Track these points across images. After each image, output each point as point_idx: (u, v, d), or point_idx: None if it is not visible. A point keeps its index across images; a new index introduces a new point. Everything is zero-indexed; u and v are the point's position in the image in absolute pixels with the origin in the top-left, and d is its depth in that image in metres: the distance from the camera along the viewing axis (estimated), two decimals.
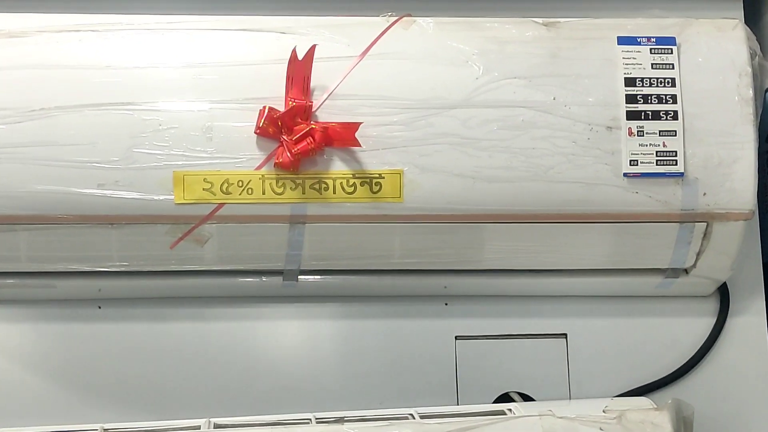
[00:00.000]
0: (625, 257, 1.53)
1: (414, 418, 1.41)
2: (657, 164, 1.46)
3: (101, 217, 1.43)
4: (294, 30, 1.47)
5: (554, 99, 1.46)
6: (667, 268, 1.55)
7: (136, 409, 1.55)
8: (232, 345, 1.57)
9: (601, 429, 1.39)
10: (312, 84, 1.44)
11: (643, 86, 1.47)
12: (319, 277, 1.56)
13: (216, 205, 1.44)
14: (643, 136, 1.47)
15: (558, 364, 1.60)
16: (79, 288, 1.55)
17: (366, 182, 1.44)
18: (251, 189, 1.43)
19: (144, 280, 1.54)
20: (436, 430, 1.38)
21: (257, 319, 1.59)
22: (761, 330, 1.62)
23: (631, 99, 1.47)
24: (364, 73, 1.45)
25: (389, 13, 1.49)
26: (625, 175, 1.46)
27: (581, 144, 1.46)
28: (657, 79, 1.48)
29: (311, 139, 1.42)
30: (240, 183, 1.43)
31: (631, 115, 1.47)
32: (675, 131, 1.47)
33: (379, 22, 1.49)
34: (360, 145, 1.43)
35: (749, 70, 1.48)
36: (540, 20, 1.50)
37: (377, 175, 1.44)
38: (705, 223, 1.49)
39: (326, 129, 1.43)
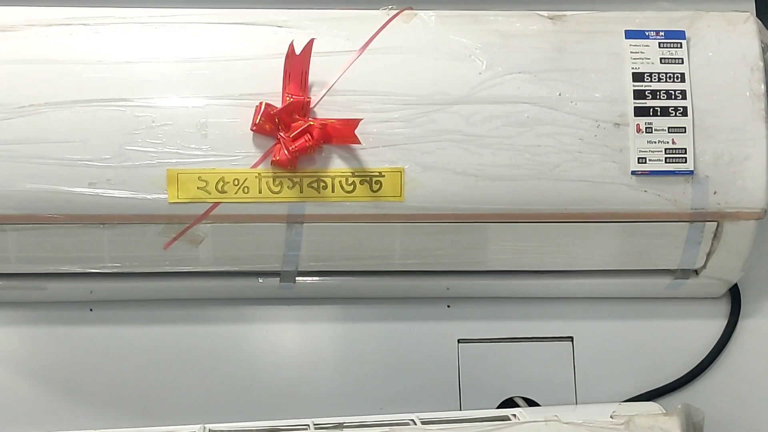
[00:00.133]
0: (633, 258, 1.53)
1: (415, 424, 1.40)
2: (666, 162, 1.46)
3: (92, 217, 1.43)
4: (291, 23, 1.47)
5: (560, 95, 1.46)
6: (677, 269, 1.55)
7: (129, 414, 1.54)
8: (228, 348, 1.57)
9: None
10: (310, 79, 1.43)
11: (651, 81, 1.47)
12: (317, 278, 1.55)
13: (211, 204, 1.43)
14: (651, 132, 1.46)
15: (564, 367, 1.59)
16: (69, 290, 1.54)
17: (366, 181, 1.43)
18: (247, 188, 1.42)
19: (137, 281, 1.53)
20: None
21: (254, 322, 1.58)
22: None
23: (639, 95, 1.46)
24: (364, 68, 1.45)
25: (389, 6, 1.49)
26: (633, 173, 1.45)
27: (588, 141, 1.45)
28: (666, 74, 1.47)
29: (309, 136, 1.41)
30: (236, 181, 1.42)
31: (640, 112, 1.46)
32: (684, 128, 1.46)
33: (379, 15, 1.48)
34: (359, 143, 1.42)
35: (761, 64, 1.47)
36: (545, 13, 1.49)
37: (377, 174, 1.43)
38: (715, 223, 1.48)
39: (324, 126, 1.42)
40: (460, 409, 1.56)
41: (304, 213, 1.44)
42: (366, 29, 1.46)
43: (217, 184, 1.42)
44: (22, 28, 1.44)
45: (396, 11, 1.48)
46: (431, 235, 1.48)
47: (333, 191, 1.43)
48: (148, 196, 1.42)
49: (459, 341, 1.58)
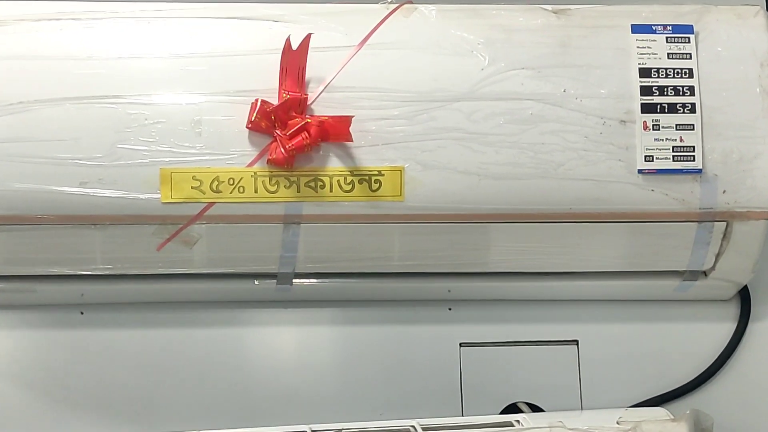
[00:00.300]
0: (639, 259, 1.52)
1: (416, 430, 1.39)
2: (674, 160, 1.45)
3: (84, 218, 1.42)
4: (288, 18, 1.47)
5: (564, 91, 1.46)
6: (685, 271, 1.54)
7: (121, 420, 1.54)
8: (223, 352, 1.56)
9: None
10: (307, 75, 1.43)
11: (658, 77, 1.47)
12: (315, 280, 1.55)
13: (205, 204, 1.42)
14: (658, 130, 1.46)
15: (569, 372, 1.59)
16: (60, 292, 1.53)
17: (365, 180, 1.43)
18: (243, 187, 1.42)
19: (129, 284, 1.53)
20: None
21: (249, 325, 1.58)
22: None
23: (646, 91, 1.46)
24: (363, 63, 1.45)
25: (389, 0, 1.48)
26: (639, 171, 1.45)
27: (593, 139, 1.45)
28: (673, 69, 1.47)
29: (306, 134, 1.41)
30: (231, 181, 1.42)
31: (646, 108, 1.46)
32: (693, 125, 1.46)
33: (379, 9, 1.48)
34: (352, 140, 1.42)
35: None
36: (549, 7, 1.49)
37: (376, 173, 1.43)
38: (725, 223, 1.48)
39: (322, 123, 1.42)
40: (462, 415, 1.56)
41: (301, 213, 1.44)
42: (365, 24, 1.46)
43: (211, 183, 1.41)
44: (11, 23, 1.44)
45: (395, 5, 1.48)
46: (432, 236, 1.48)
47: (331, 191, 1.43)
48: (141, 196, 1.41)
49: (461, 345, 1.58)
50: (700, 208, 1.45)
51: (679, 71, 1.46)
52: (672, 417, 1.42)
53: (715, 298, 1.60)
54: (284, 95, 1.41)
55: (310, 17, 1.46)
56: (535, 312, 1.59)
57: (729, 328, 1.60)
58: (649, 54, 1.46)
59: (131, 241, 1.45)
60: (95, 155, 1.40)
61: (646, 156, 1.44)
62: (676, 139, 1.45)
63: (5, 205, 1.40)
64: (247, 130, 1.41)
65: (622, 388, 1.58)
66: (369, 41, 1.45)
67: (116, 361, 1.54)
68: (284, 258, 1.49)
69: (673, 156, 1.45)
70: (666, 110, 1.45)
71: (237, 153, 1.41)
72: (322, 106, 1.42)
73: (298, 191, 1.42)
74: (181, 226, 1.43)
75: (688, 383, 1.58)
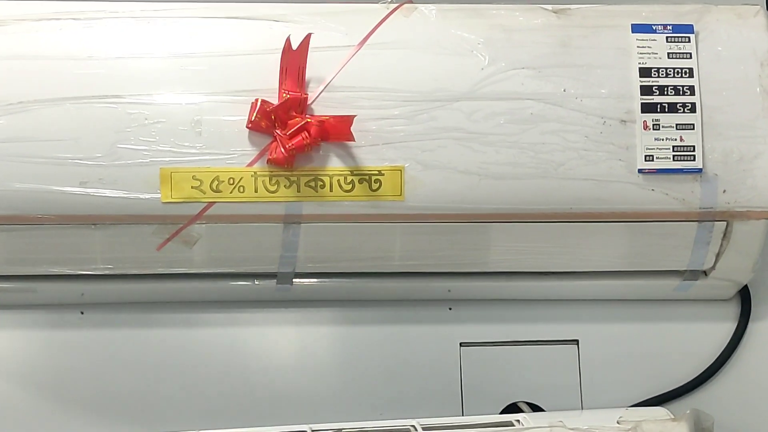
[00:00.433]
0: (640, 258, 1.52)
1: (416, 429, 1.39)
2: (674, 160, 1.45)
3: (84, 217, 1.42)
4: (288, 18, 1.46)
5: (565, 91, 1.45)
6: (685, 270, 1.54)
7: (121, 420, 1.53)
8: (223, 352, 1.56)
9: None
10: (307, 75, 1.43)
11: (659, 77, 1.46)
12: (315, 280, 1.55)
13: (205, 204, 1.42)
14: (659, 129, 1.46)
15: (569, 372, 1.58)
16: (60, 292, 1.53)
17: (365, 179, 1.43)
18: (243, 187, 1.42)
19: (129, 283, 1.52)
20: None
21: (249, 325, 1.57)
22: None
23: (646, 90, 1.46)
24: (363, 63, 1.44)
25: (389, 0, 1.48)
26: (640, 171, 1.45)
27: (593, 138, 1.45)
28: (674, 69, 1.47)
29: (306, 134, 1.41)
30: (231, 180, 1.42)
31: (647, 108, 1.46)
32: (693, 125, 1.46)
33: (379, 9, 1.48)
34: (354, 140, 1.41)
35: None
36: (549, 7, 1.49)
37: (377, 172, 1.43)
38: (725, 222, 1.48)
39: (322, 123, 1.41)
40: (462, 415, 1.55)
41: (301, 213, 1.44)
42: (365, 23, 1.46)
43: (211, 183, 1.41)
44: (11, 23, 1.44)
45: (396, 5, 1.48)
46: (432, 236, 1.47)
47: (331, 190, 1.42)
48: (141, 196, 1.41)
49: (461, 345, 1.58)
50: (700, 208, 1.45)
51: (680, 71, 1.46)
52: (672, 417, 1.41)
53: (716, 298, 1.60)
54: (284, 95, 1.41)
55: (310, 17, 1.46)
56: (536, 312, 1.59)
57: (729, 328, 1.60)
58: (650, 54, 1.46)
59: (131, 241, 1.44)
60: (95, 155, 1.40)
61: (646, 156, 1.44)
62: (676, 139, 1.45)
63: (5, 204, 1.40)
64: (247, 129, 1.41)
65: (623, 388, 1.57)
66: (369, 41, 1.45)
67: (116, 361, 1.54)
68: (284, 258, 1.48)
69: (674, 156, 1.44)
70: (666, 110, 1.45)
71: (237, 153, 1.41)
72: (322, 105, 1.42)
73: (299, 191, 1.42)
74: (181, 225, 1.43)
75: (688, 383, 1.58)
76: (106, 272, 1.49)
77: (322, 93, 1.42)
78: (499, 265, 1.52)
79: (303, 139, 1.40)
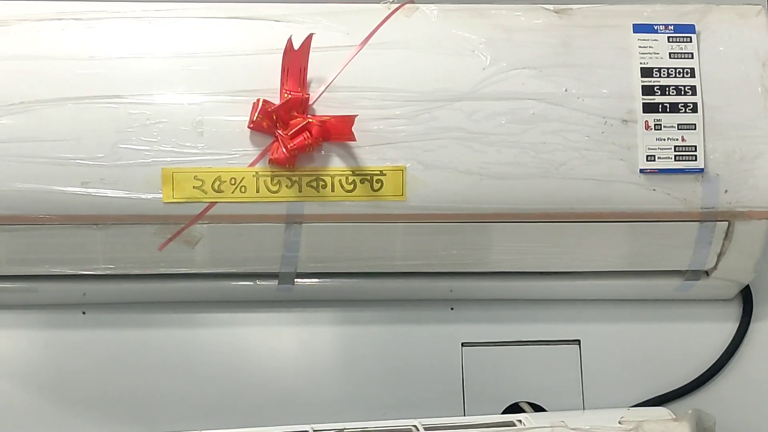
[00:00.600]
0: (641, 258, 1.52)
1: (418, 429, 1.39)
2: (675, 160, 1.45)
3: (85, 217, 1.42)
4: (289, 18, 1.46)
5: (566, 90, 1.45)
6: (687, 270, 1.54)
7: (123, 421, 1.53)
8: (225, 353, 1.56)
9: None
10: (309, 75, 1.43)
11: (660, 77, 1.46)
12: (316, 280, 1.55)
13: (207, 204, 1.42)
14: (660, 129, 1.45)
15: (571, 372, 1.58)
16: (62, 292, 1.53)
17: (366, 179, 1.43)
18: (244, 187, 1.42)
19: (131, 283, 1.52)
20: None
21: (251, 325, 1.57)
22: None
23: (647, 90, 1.46)
24: (364, 63, 1.44)
25: (390, 0, 1.48)
26: (641, 171, 1.45)
27: (595, 138, 1.45)
28: (675, 69, 1.47)
29: (308, 134, 1.41)
30: (232, 180, 1.42)
31: (648, 108, 1.46)
32: (694, 124, 1.46)
33: (380, 9, 1.48)
34: (355, 140, 1.41)
35: None
36: (551, 7, 1.49)
37: (378, 172, 1.43)
38: (726, 222, 1.48)
39: (324, 123, 1.41)
40: (464, 415, 1.55)
41: (303, 213, 1.44)
42: (366, 24, 1.46)
43: (213, 183, 1.41)
44: (13, 23, 1.44)
45: (397, 5, 1.48)
46: (434, 236, 1.47)
47: (333, 190, 1.42)
48: (143, 196, 1.41)
49: (463, 345, 1.58)
50: (701, 208, 1.45)
51: (681, 71, 1.46)
52: (674, 417, 1.41)
53: (717, 298, 1.60)
54: (286, 95, 1.41)
55: (312, 17, 1.46)
56: (537, 312, 1.59)
57: (731, 328, 1.60)
58: (651, 53, 1.46)
59: (133, 241, 1.44)
60: (97, 155, 1.40)
61: (647, 155, 1.44)
62: (677, 139, 1.45)
63: (7, 205, 1.40)
64: (249, 130, 1.41)
65: (624, 388, 1.57)
66: (370, 41, 1.45)
67: (118, 361, 1.54)
68: (286, 258, 1.48)
69: (675, 156, 1.44)
70: (668, 110, 1.45)
71: (239, 153, 1.41)
72: (324, 105, 1.42)
73: (300, 191, 1.42)
74: (182, 225, 1.43)
75: (690, 383, 1.58)
76: (108, 272, 1.49)
77: (324, 93, 1.42)
78: (500, 265, 1.52)
79: (304, 139, 1.40)
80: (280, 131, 1.40)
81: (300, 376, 1.56)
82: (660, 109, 1.45)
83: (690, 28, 1.47)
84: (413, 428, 1.39)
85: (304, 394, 1.55)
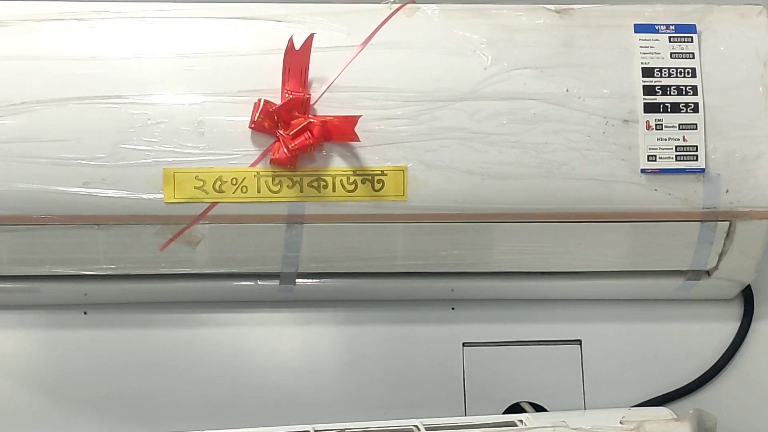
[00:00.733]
0: (642, 258, 1.52)
1: (419, 429, 1.39)
2: (676, 160, 1.45)
3: (87, 218, 1.42)
4: (290, 18, 1.47)
5: (567, 91, 1.45)
6: (688, 270, 1.54)
7: (124, 420, 1.53)
8: (226, 353, 1.56)
9: None
10: (310, 75, 1.43)
11: (661, 77, 1.46)
12: (317, 280, 1.55)
13: (208, 204, 1.42)
14: (661, 129, 1.45)
15: (572, 371, 1.58)
16: (63, 292, 1.53)
17: (367, 179, 1.43)
18: (246, 187, 1.42)
19: (132, 283, 1.52)
20: None
21: (252, 325, 1.57)
22: None
23: (648, 90, 1.46)
24: (366, 63, 1.44)
25: (392, 0, 1.48)
26: (642, 171, 1.45)
27: (596, 138, 1.45)
28: (676, 69, 1.47)
29: (309, 134, 1.41)
30: (234, 181, 1.41)
31: (649, 108, 1.46)
32: (695, 124, 1.46)
33: (381, 9, 1.48)
34: (359, 140, 1.42)
35: None
36: (552, 7, 1.49)
37: (379, 172, 1.43)
38: (728, 222, 1.48)
39: (325, 123, 1.41)
40: (465, 415, 1.55)
41: (304, 213, 1.43)
42: (368, 24, 1.46)
43: (214, 183, 1.41)
44: (14, 24, 1.44)
45: (398, 5, 1.48)
46: (435, 236, 1.47)
47: (334, 190, 1.42)
48: (144, 196, 1.41)
49: (464, 345, 1.58)
50: (703, 208, 1.45)
51: (682, 71, 1.46)
52: (675, 416, 1.41)
53: (718, 298, 1.60)
54: (287, 95, 1.41)
55: (313, 17, 1.46)
56: (538, 312, 1.59)
57: (732, 328, 1.60)
58: (652, 53, 1.46)
59: (134, 241, 1.44)
60: (98, 155, 1.40)
61: (649, 155, 1.44)
62: (679, 139, 1.45)
63: (9, 205, 1.40)
64: (250, 130, 1.41)
65: (626, 388, 1.57)
66: (372, 41, 1.45)
67: (119, 361, 1.54)
68: (287, 258, 1.48)
69: (676, 155, 1.44)
70: (669, 110, 1.45)
71: (240, 153, 1.41)
72: (325, 106, 1.42)
73: (301, 191, 1.41)
74: (184, 226, 1.43)
75: (691, 383, 1.58)
76: (110, 272, 1.49)
77: (325, 93, 1.42)
78: (501, 264, 1.52)
79: (306, 139, 1.40)
80: (281, 131, 1.40)
81: (301, 376, 1.56)
82: (661, 109, 1.45)
83: (691, 28, 1.47)
84: (414, 428, 1.39)
85: (306, 394, 1.55)
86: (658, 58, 1.46)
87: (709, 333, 1.59)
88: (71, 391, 1.53)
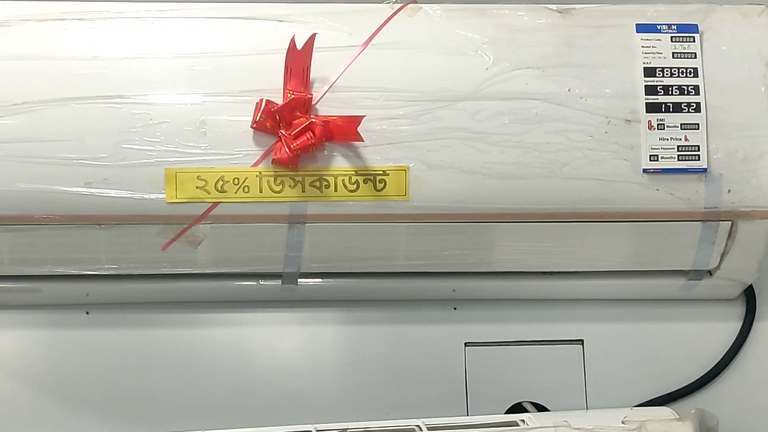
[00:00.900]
0: (644, 258, 1.52)
1: (421, 429, 1.39)
2: (678, 159, 1.45)
3: (89, 218, 1.42)
4: (292, 18, 1.46)
5: (569, 90, 1.45)
6: (690, 270, 1.54)
7: (126, 421, 1.53)
8: (228, 353, 1.56)
9: None
10: (312, 75, 1.43)
11: (663, 77, 1.46)
12: (319, 280, 1.55)
13: (210, 204, 1.42)
14: (663, 129, 1.45)
15: (574, 371, 1.58)
16: (65, 292, 1.53)
17: (369, 179, 1.43)
18: (247, 187, 1.42)
19: (134, 283, 1.52)
20: None
21: (254, 325, 1.57)
22: None
23: (650, 90, 1.46)
24: (367, 63, 1.44)
25: (393, 0, 1.48)
26: (644, 171, 1.45)
27: (598, 138, 1.45)
28: (678, 69, 1.46)
29: (311, 134, 1.41)
30: (236, 180, 1.42)
31: (651, 108, 1.45)
32: (697, 124, 1.46)
33: (383, 9, 1.48)
34: (362, 140, 1.41)
35: None
36: (554, 7, 1.49)
37: (381, 172, 1.43)
38: (729, 222, 1.47)
39: (327, 123, 1.41)
40: (467, 415, 1.55)
41: (306, 213, 1.43)
42: (369, 24, 1.46)
43: (216, 183, 1.41)
44: (16, 24, 1.44)
45: (400, 5, 1.48)
46: (437, 236, 1.47)
47: (336, 190, 1.42)
48: (146, 196, 1.41)
49: (466, 344, 1.58)
50: (705, 208, 1.45)
51: (684, 70, 1.46)
52: (677, 416, 1.41)
53: (720, 298, 1.59)
54: (289, 95, 1.41)
55: (315, 17, 1.45)
56: (540, 311, 1.59)
57: (734, 328, 1.59)
58: (654, 53, 1.46)
59: (136, 241, 1.44)
60: (100, 155, 1.40)
61: (651, 155, 1.44)
62: (681, 139, 1.44)
63: (10, 205, 1.40)
64: (252, 130, 1.41)
65: (627, 388, 1.57)
66: (373, 41, 1.44)
67: (121, 361, 1.54)
68: (289, 258, 1.48)
69: (678, 155, 1.44)
70: (671, 110, 1.45)
71: (242, 153, 1.41)
72: (327, 105, 1.42)
73: (303, 191, 1.41)
74: (186, 225, 1.43)
75: (693, 383, 1.58)
76: (111, 272, 1.49)
77: (327, 93, 1.42)
78: (503, 264, 1.52)
79: (307, 139, 1.40)
80: (283, 131, 1.40)
81: (303, 376, 1.56)
82: (663, 109, 1.45)
83: (693, 28, 1.47)
84: (416, 428, 1.39)
85: (308, 394, 1.55)
86: (660, 57, 1.46)
87: (711, 333, 1.59)
88: (73, 391, 1.53)
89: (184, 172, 1.40)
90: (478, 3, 1.49)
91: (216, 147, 1.41)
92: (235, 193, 1.41)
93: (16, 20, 1.43)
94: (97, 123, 1.40)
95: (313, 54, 1.42)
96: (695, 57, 1.46)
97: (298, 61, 1.41)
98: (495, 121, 1.43)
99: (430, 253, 1.49)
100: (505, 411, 1.55)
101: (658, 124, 1.44)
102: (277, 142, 1.41)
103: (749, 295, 1.60)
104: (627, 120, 1.44)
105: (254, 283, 1.53)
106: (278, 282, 1.53)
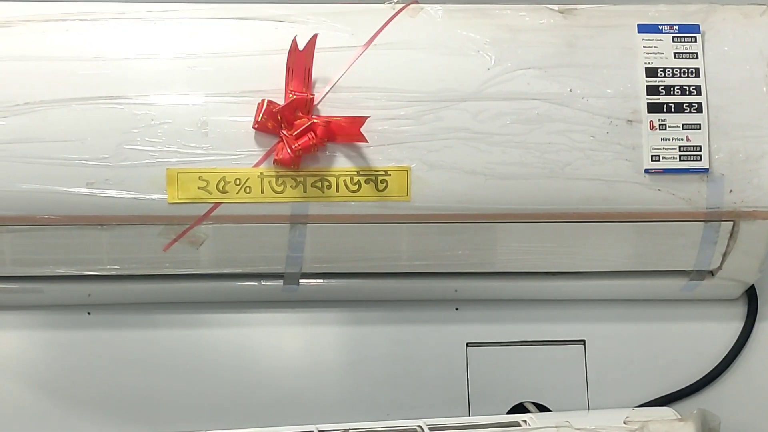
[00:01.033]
0: (646, 258, 1.52)
1: (423, 430, 1.39)
2: (680, 160, 1.45)
3: (90, 218, 1.43)
4: (294, 18, 1.47)
5: (571, 91, 1.45)
6: (692, 270, 1.54)
7: (128, 421, 1.53)
8: (230, 353, 1.56)
9: None
10: (313, 76, 1.43)
11: (665, 77, 1.46)
12: (321, 280, 1.55)
13: (212, 204, 1.42)
14: (665, 129, 1.45)
15: (575, 372, 1.58)
16: (67, 293, 1.53)
17: (371, 180, 1.43)
18: (249, 187, 1.42)
19: (136, 284, 1.52)
20: None
21: (256, 326, 1.57)
22: None
23: (652, 90, 1.46)
24: (369, 63, 1.45)
25: (395, 0, 1.48)
26: (646, 171, 1.45)
27: (600, 138, 1.45)
28: (680, 69, 1.47)
29: (313, 134, 1.41)
30: (237, 181, 1.42)
31: (653, 108, 1.46)
32: (699, 124, 1.46)
33: (385, 9, 1.48)
34: (366, 141, 1.41)
35: None
36: (555, 7, 1.49)
37: (383, 173, 1.43)
38: (731, 222, 1.47)
39: (329, 123, 1.42)
40: (469, 415, 1.55)
41: (307, 213, 1.44)
42: (371, 24, 1.46)
43: (218, 183, 1.41)
44: (17, 24, 1.44)
45: (402, 5, 1.48)
46: (438, 236, 1.47)
47: (337, 191, 1.42)
48: (148, 197, 1.41)
49: (467, 345, 1.58)
50: (706, 208, 1.45)
51: (686, 71, 1.46)
52: (679, 417, 1.41)
53: (722, 298, 1.60)
54: (290, 95, 1.41)
55: (317, 17, 1.46)
56: (542, 312, 1.59)
57: (736, 328, 1.59)
58: (656, 53, 1.46)
59: (138, 242, 1.44)
60: (102, 156, 1.40)
61: (652, 156, 1.44)
62: (682, 139, 1.44)
63: (12, 205, 1.40)
64: (254, 130, 1.41)
65: (629, 388, 1.57)
66: (375, 41, 1.45)
67: (123, 361, 1.54)
68: (291, 258, 1.48)
69: (680, 155, 1.44)
70: (672, 110, 1.45)
71: (243, 153, 1.41)
72: (329, 106, 1.42)
73: (305, 191, 1.42)
74: (187, 226, 1.43)
75: (695, 383, 1.58)
76: (113, 273, 1.49)
77: (329, 93, 1.42)
78: (505, 265, 1.52)
79: (309, 139, 1.40)
80: (284, 132, 1.40)
81: (305, 376, 1.56)
82: (665, 109, 1.45)
83: (695, 28, 1.47)
84: (418, 428, 1.38)
85: (309, 394, 1.55)
86: (661, 58, 1.46)
87: (712, 333, 1.59)
88: (75, 391, 1.53)
89: (186, 172, 1.40)
90: (480, 3, 1.49)
91: (217, 147, 1.41)
92: (237, 193, 1.41)
93: (18, 21, 1.43)
94: (99, 123, 1.40)
95: (315, 54, 1.42)
96: (697, 57, 1.46)
97: (299, 62, 1.41)
98: (497, 122, 1.43)
99: (432, 254, 1.49)
100: (506, 411, 1.55)
101: (659, 125, 1.44)
102: (278, 143, 1.41)
103: (751, 296, 1.60)
104: (629, 120, 1.44)
105: (256, 283, 1.53)
106: (280, 282, 1.53)
